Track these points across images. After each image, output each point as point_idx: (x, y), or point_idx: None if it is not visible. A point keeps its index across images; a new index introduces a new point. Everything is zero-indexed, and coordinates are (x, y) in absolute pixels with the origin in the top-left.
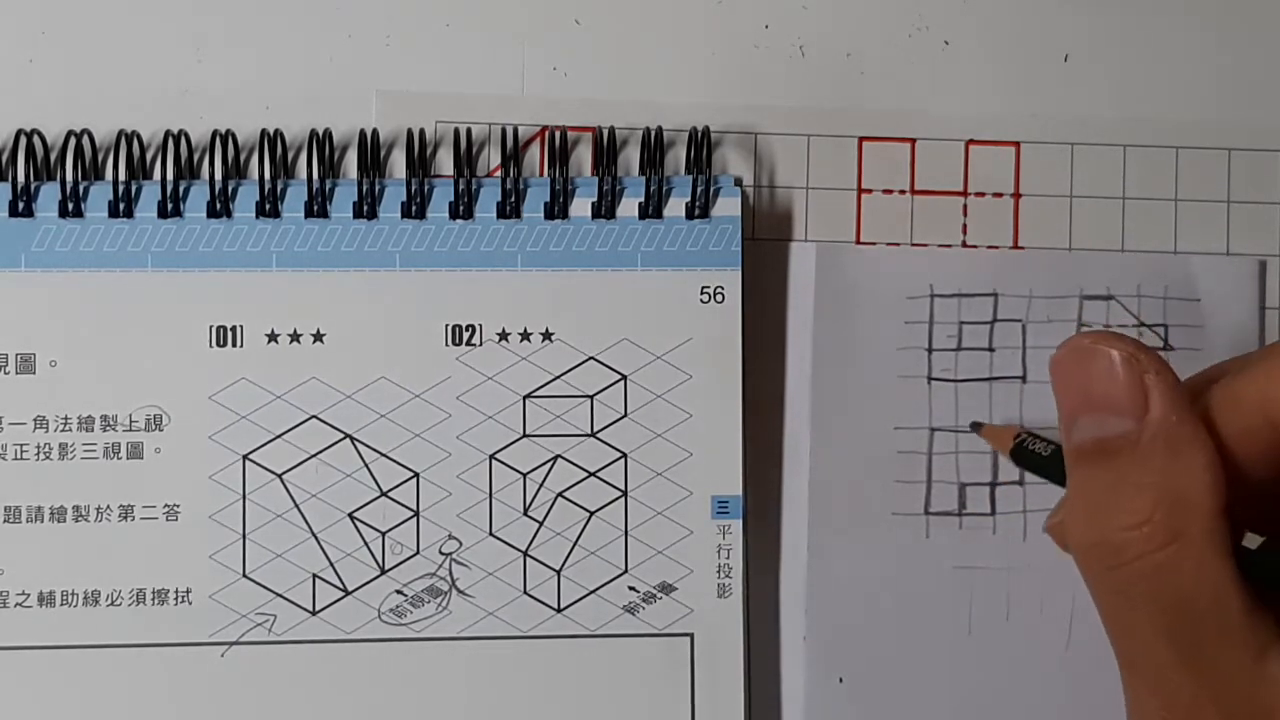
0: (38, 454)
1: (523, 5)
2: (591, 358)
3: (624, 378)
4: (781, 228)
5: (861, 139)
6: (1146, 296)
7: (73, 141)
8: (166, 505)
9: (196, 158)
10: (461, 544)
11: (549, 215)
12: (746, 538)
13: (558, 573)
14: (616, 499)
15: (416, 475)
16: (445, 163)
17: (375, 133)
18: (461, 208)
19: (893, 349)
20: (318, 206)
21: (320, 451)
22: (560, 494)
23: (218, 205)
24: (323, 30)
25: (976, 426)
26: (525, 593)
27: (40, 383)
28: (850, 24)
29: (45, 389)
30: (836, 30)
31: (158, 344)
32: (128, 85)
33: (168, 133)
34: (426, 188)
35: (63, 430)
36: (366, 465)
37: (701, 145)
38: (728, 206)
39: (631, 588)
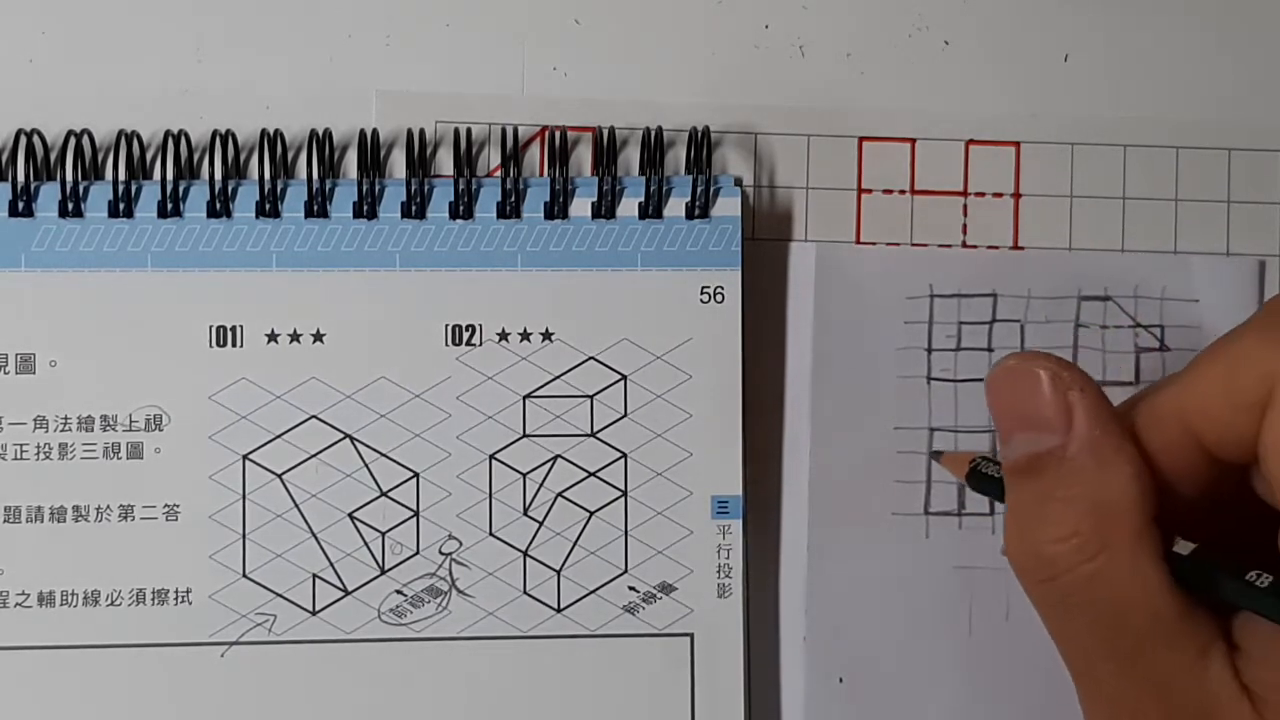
0: (38, 454)
1: (523, 5)
2: (591, 358)
3: (624, 378)
4: (781, 228)
5: (861, 139)
6: (1143, 297)
7: (73, 141)
8: (166, 505)
9: (196, 158)
10: (461, 544)
11: (549, 215)
12: (746, 538)
13: (558, 573)
14: (616, 499)
15: (416, 475)
16: (445, 163)
17: (375, 133)
18: (461, 208)
19: (893, 349)
20: (318, 206)
21: (320, 451)
22: (560, 494)
23: (217, 205)
24: (323, 30)
25: (937, 455)
26: (525, 593)
27: (40, 383)
28: (850, 24)
29: (45, 389)
30: (836, 30)
31: (158, 344)
32: (128, 85)
33: (168, 133)
34: (426, 188)
35: (63, 430)
36: (366, 465)
37: (701, 145)
38: (728, 206)
39: (631, 588)
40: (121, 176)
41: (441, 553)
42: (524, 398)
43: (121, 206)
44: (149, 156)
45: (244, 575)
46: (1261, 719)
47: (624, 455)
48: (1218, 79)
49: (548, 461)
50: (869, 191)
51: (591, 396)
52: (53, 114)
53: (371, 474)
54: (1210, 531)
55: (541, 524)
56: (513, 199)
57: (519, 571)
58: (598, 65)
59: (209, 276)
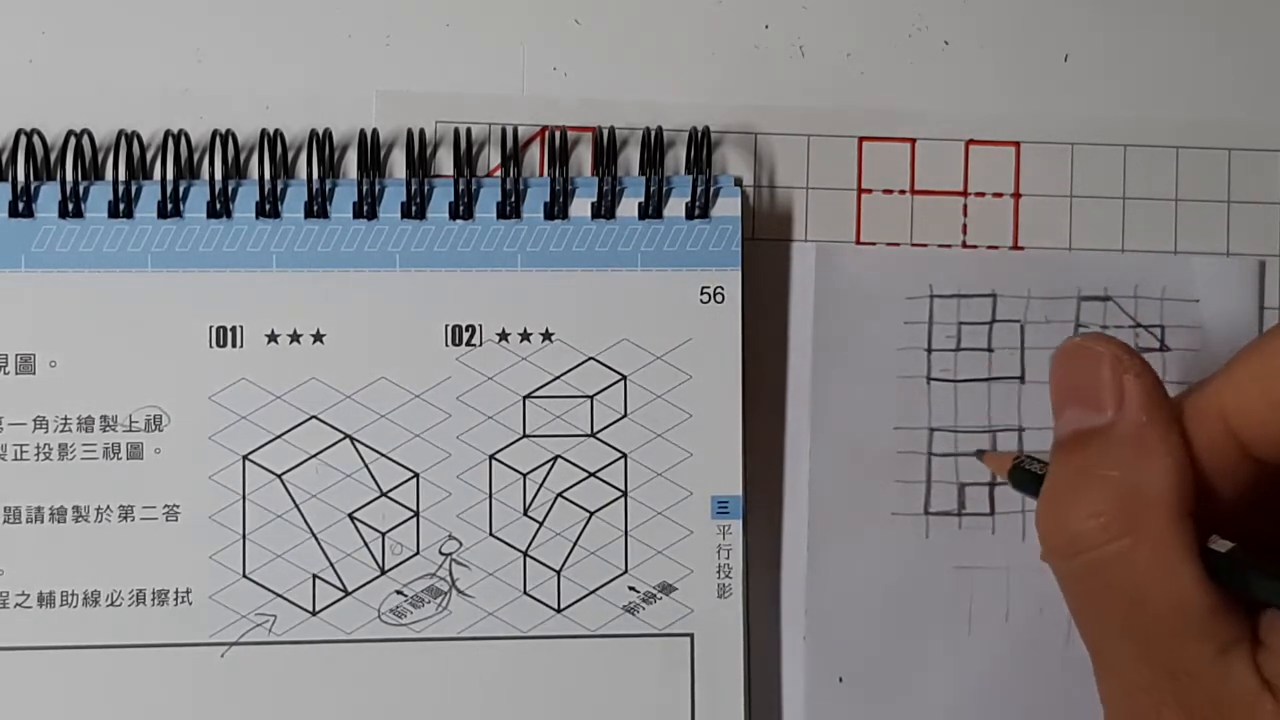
0: (37, 454)
1: (523, 5)
2: (591, 358)
3: (624, 378)
4: (781, 228)
5: (861, 139)
6: (1143, 297)
7: (73, 141)
8: (166, 506)
9: (196, 158)
10: (461, 544)
11: (549, 215)
12: (746, 538)
13: (558, 573)
14: (616, 499)
15: (416, 475)
16: (445, 163)
17: (375, 133)
18: (461, 208)
19: (892, 349)
20: (318, 207)
21: (320, 452)
22: (560, 494)
23: (218, 205)
24: (323, 30)
25: (980, 454)
26: (525, 593)
27: (40, 383)
28: (850, 24)
29: (45, 389)
30: (836, 30)
31: (157, 344)
32: (128, 85)
33: (168, 133)
34: (426, 188)
35: (63, 431)
36: (366, 465)
37: (701, 145)
38: (728, 207)
39: (631, 588)
40: (121, 176)
41: (441, 553)
42: (524, 398)
43: (121, 207)
44: (149, 156)
45: (244, 576)
46: None
47: (624, 455)
48: (1218, 79)
49: (548, 462)
50: (869, 191)
51: (591, 397)
52: (53, 114)
53: (371, 474)
54: (1252, 531)
55: (541, 524)
56: (513, 199)
57: (519, 572)
58: (598, 65)
59: (209, 277)
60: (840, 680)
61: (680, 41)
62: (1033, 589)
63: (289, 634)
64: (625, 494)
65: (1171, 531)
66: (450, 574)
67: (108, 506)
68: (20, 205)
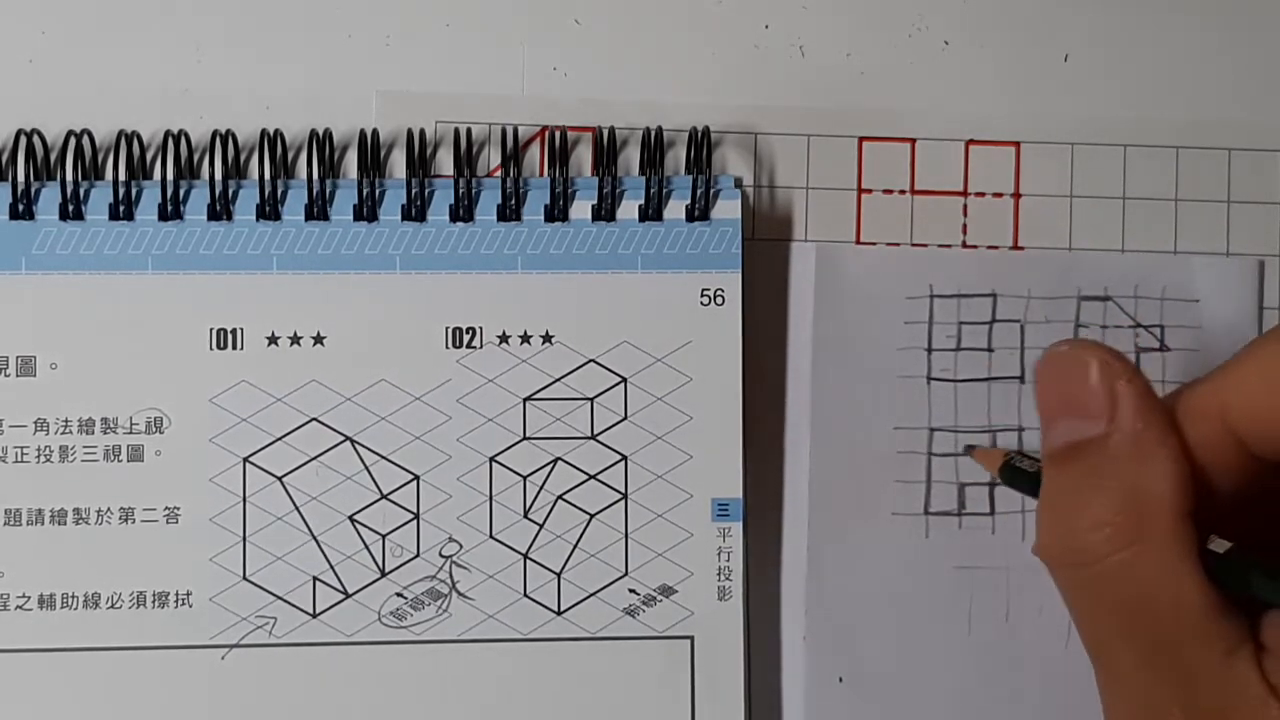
0: (38, 456)
1: (523, 5)
2: (592, 360)
3: (624, 380)
4: (781, 228)
5: (861, 139)
6: (1143, 297)
7: (73, 142)
8: (167, 508)
9: (196, 158)
10: (462, 546)
11: (549, 218)
12: (747, 539)
13: (558, 575)
14: (616, 501)
15: (417, 478)
16: (445, 163)
17: (375, 133)
18: (462, 210)
19: (893, 349)
20: (318, 209)
21: (320, 454)
22: (560, 496)
23: (218, 208)
24: (323, 30)
25: (969, 450)
26: (525, 595)
27: (41, 385)
28: (850, 24)
29: (46, 392)
30: (836, 30)
31: (158, 346)
32: (128, 85)
33: (168, 133)
34: (427, 190)
35: (63, 433)
36: (367, 468)
37: (701, 145)
38: (728, 209)
39: (632, 590)
40: (122, 177)
41: (442, 555)
42: (524, 400)
43: (122, 209)
44: (149, 157)
45: (244, 578)
46: None
47: (624, 458)
48: (1218, 79)
49: (548, 464)
50: (869, 191)
51: (592, 399)
52: (53, 114)
53: (372, 476)
54: (1247, 528)
55: (542, 526)
56: (513, 201)
57: (519, 574)
58: (598, 65)
59: (209, 279)
60: (840, 680)
61: (680, 41)
62: (1033, 589)
63: (289, 636)
64: (625, 496)
65: (1175, 536)
66: (450, 576)
67: (108, 509)
68: (21, 207)
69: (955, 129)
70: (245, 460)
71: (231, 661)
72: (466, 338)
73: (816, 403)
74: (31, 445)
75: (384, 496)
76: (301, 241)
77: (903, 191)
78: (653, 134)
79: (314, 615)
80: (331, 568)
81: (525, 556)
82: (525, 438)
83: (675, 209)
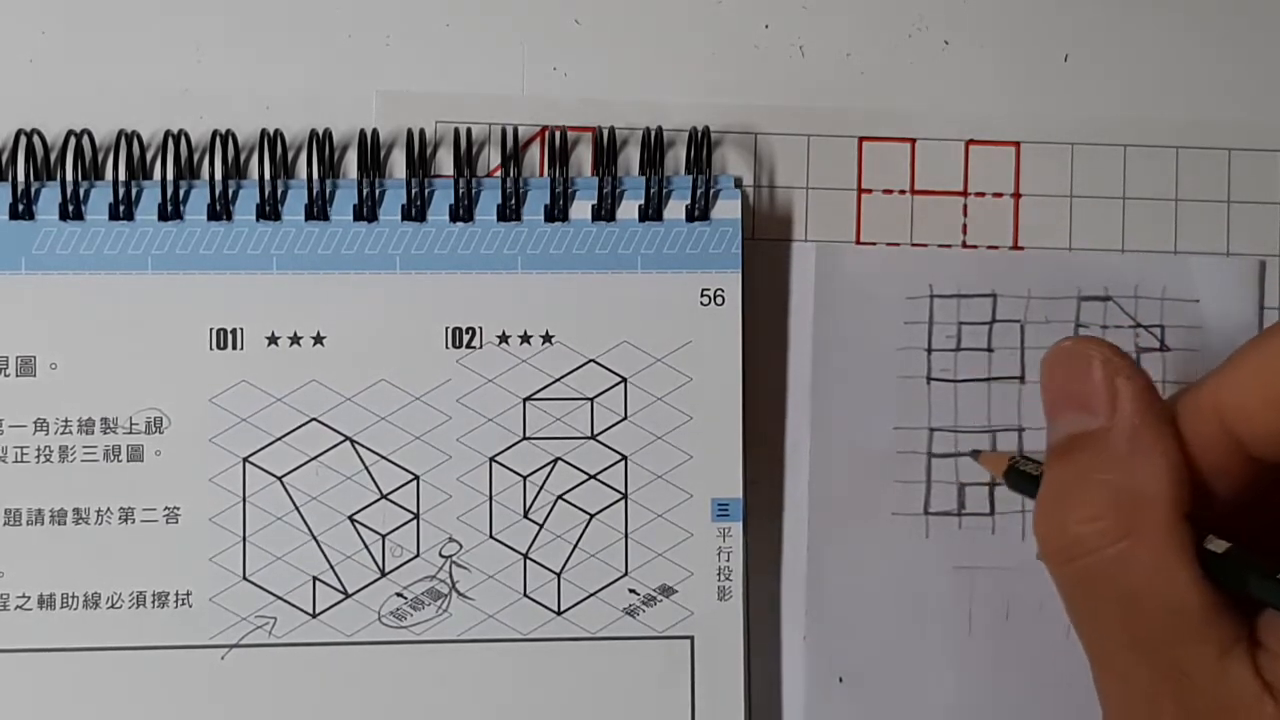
0: (38, 456)
1: (523, 5)
2: (592, 360)
3: (624, 380)
4: (781, 228)
5: (861, 139)
6: (1144, 297)
7: (73, 142)
8: (167, 508)
9: (196, 158)
10: (462, 546)
11: (549, 218)
12: (747, 539)
13: (558, 575)
14: (616, 501)
15: (416, 478)
16: (445, 163)
17: (375, 133)
18: (462, 210)
19: (893, 349)
20: (318, 209)
21: (320, 454)
22: (560, 496)
23: (218, 208)
24: (323, 30)
25: (975, 454)
26: (525, 595)
27: (41, 385)
28: (850, 24)
29: (46, 392)
30: (836, 30)
31: (158, 346)
32: (128, 85)
33: (168, 133)
34: (427, 190)
35: (63, 433)
36: (367, 468)
37: (701, 145)
38: (728, 209)
39: (632, 590)
40: (122, 177)
41: (442, 555)
42: (524, 400)
43: (122, 209)
44: (149, 157)
45: (244, 578)
46: None
47: (624, 458)
48: (1218, 79)
49: (548, 464)
50: (869, 191)
51: (592, 399)
52: (53, 114)
53: (372, 476)
54: (1245, 528)
55: (542, 526)
56: (513, 202)
57: (519, 574)
58: (598, 65)
59: (209, 279)
60: (840, 680)
61: (680, 41)
62: (1033, 589)
63: (289, 636)
64: (625, 496)
65: (1170, 533)
66: (450, 576)
67: (108, 508)
68: (21, 207)
69: (955, 129)
70: (245, 460)
71: (231, 661)
72: (466, 338)
73: (816, 403)
74: (31, 445)
75: (384, 496)
76: (301, 241)
77: (903, 191)
78: (653, 134)
79: (314, 615)
80: (331, 568)
81: (525, 556)
82: (525, 438)
83: (675, 209)
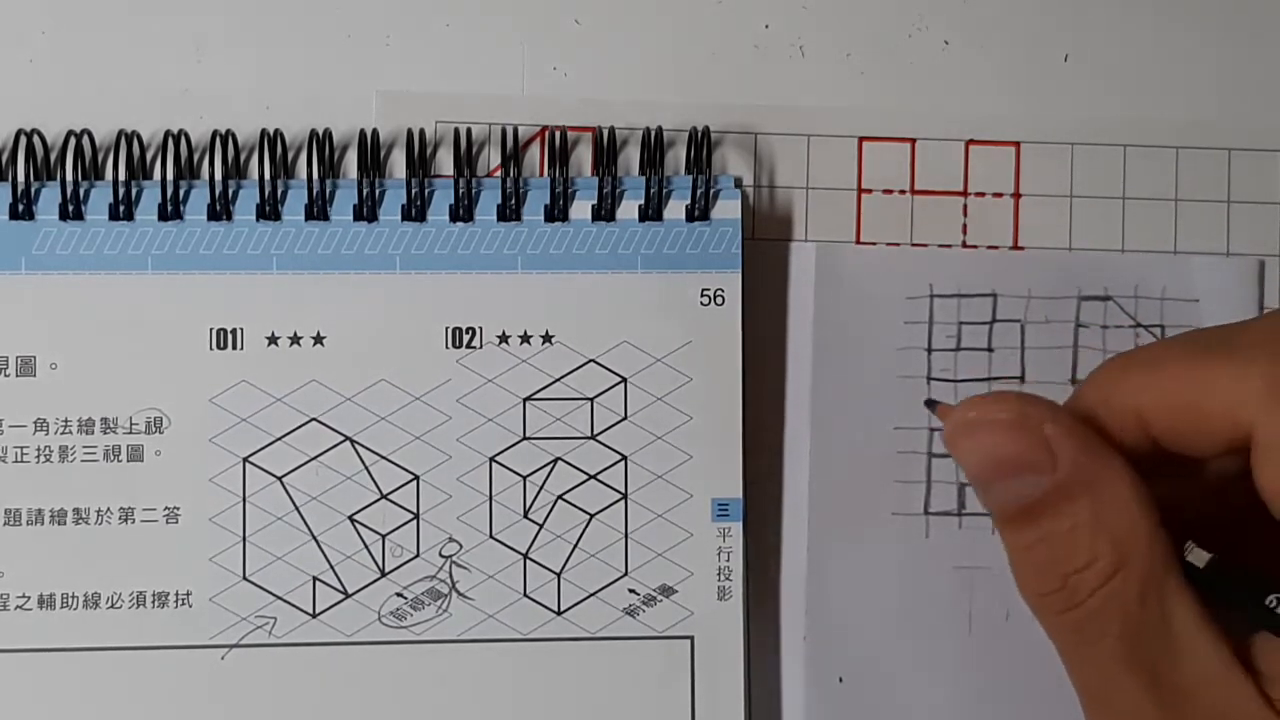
0: (38, 456)
1: (523, 5)
2: (591, 360)
3: (624, 380)
4: (781, 228)
5: (861, 139)
6: (1144, 297)
7: (73, 142)
8: (167, 508)
9: (196, 158)
10: (461, 546)
11: (549, 218)
12: (747, 539)
13: (558, 575)
14: (616, 501)
15: (416, 478)
16: (445, 163)
17: (375, 133)
18: (461, 210)
19: (893, 349)
20: (318, 209)
21: (320, 454)
22: (560, 496)
23: (218, 208)
24: (323, 30)
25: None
26: (525, 595)
27: (41, 385)
28: (850, 24)
29: (46, 391)
30: (836, 30)
31: (158, 346)
32: (128, 85)
33: (168, 133)
34: (427, 190)
35: (63, 433)
36: (366, 468)
37: (701, 145)
38: (728, 209)
39: (632, 590)
40: (121, 177)
41: (442, 555)
42: (524, 400)
43: (122, 209)
44: (149, 157)
45: (244, 578)
46: None
47: (624, 458)
48: (1218, 79)
49: (548, 464)
50: (869, 191)
51: (591, 399)
52: (53, 114)
53: (372, 476)
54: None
55: (542, 526)
56: (513, 202)
57: (519, 574)
58: (598, 65)
59: (209, 279)
60: (840, 680)
61: (680, 41)
62: None
63: (289, 636)
64: (625, 496)
65: (1153, 549)
66: (450, 576)
67: (108, 508)
68: (21, 207)
69: (955, 129)
70: (245, 460)
71: (231, 661)
72: (466, 338)
73: (816, 403)
74: (31, 445)
75: (384, 496)
76: (301, 241)
77: (903, 191)
78: (653, 134)
79: (314, 615)
80: (331, 568)
81: (525, 556)
82: (525, 438)
83: (675, 209)
